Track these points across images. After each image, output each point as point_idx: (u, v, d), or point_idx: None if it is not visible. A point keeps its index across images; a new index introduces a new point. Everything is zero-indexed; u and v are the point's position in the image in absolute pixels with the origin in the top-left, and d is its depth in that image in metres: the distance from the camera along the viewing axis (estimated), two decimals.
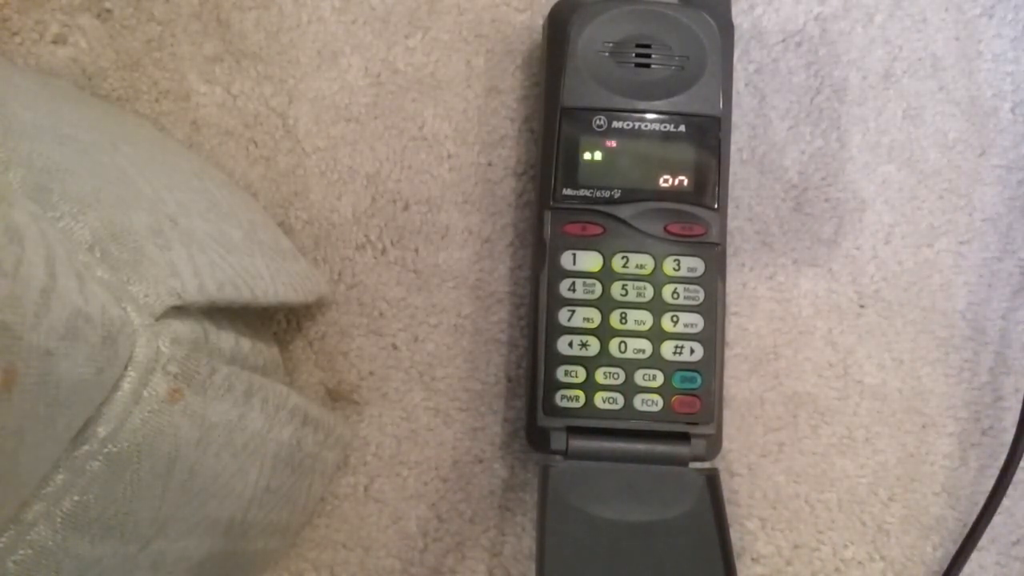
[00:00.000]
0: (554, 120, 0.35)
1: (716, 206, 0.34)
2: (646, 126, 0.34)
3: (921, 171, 0.39)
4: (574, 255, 0.34)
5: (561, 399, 0.34)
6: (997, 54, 0.40)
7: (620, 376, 0.34)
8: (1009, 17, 0.40)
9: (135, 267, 0.23)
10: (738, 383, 0.39)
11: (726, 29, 0.35)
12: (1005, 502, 0.37)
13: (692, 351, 0.34)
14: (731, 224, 0.39)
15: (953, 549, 0.37)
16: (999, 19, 0.40)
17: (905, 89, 0.40)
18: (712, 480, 0.33)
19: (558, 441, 0.34)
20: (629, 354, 0.34)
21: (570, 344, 0.34)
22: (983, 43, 0.40)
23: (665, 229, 0.34)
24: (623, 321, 0.34)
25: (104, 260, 0.23)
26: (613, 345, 0.34)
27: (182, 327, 0.24)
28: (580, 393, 0.34)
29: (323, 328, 0.39)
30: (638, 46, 0.34)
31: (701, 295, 0.34)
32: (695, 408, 0.34)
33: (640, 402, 0.34)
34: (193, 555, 0.27)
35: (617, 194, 0.34)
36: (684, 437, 0.34)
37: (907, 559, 0.38)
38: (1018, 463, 0.36)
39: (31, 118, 0.25)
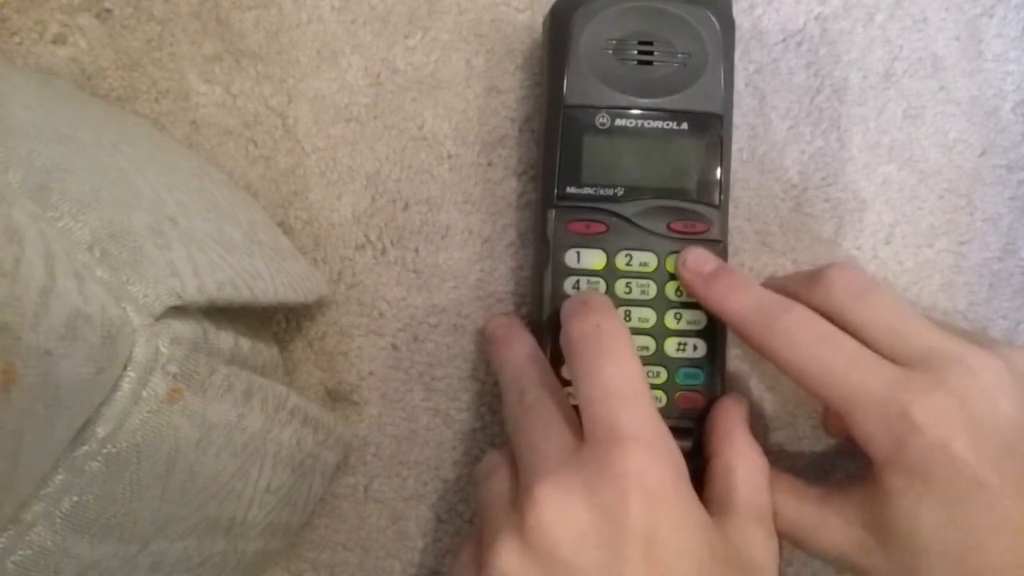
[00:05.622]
0: (556, 118, 0.34)
1: (718, 203, 0.34)
2: (649, 123, 0.34)
3: (921, 171, 0.39)
4: (578, 253, 0.34)
5: None
6: (998, 54, 0.40)
7: None
8: (1009, 17, 0.40)
9: (135, 267, 0.23)
10: (738, 383, 0.38)
11: (728, 26, 0.35)
12: None
13: (695, 347, 0.34)
14: (731, 224, 0.39)
15: None
16: (1000, 19, 0.40)
17: (905, 89, 0.40)
18: None
19: None
20: None
21: None
22: (984, 43, 0.40)
23: (668, 226, 0.34)
24: (627, 318, 0.34)
25: (103, 260, 0.22)
26: None
27: (182, 327, 0.24)
28: None
29: (323, 328, 0.39)
30: (640, 43, 0.34)
31: None
32: (698, 404, 0.34)
33: None
34: (193, 555, 0.27)
35: (620, 192, 0.34)
36: (687, 433, 0.34)
37: None
38: None
39: (31, 118, 0.25)
